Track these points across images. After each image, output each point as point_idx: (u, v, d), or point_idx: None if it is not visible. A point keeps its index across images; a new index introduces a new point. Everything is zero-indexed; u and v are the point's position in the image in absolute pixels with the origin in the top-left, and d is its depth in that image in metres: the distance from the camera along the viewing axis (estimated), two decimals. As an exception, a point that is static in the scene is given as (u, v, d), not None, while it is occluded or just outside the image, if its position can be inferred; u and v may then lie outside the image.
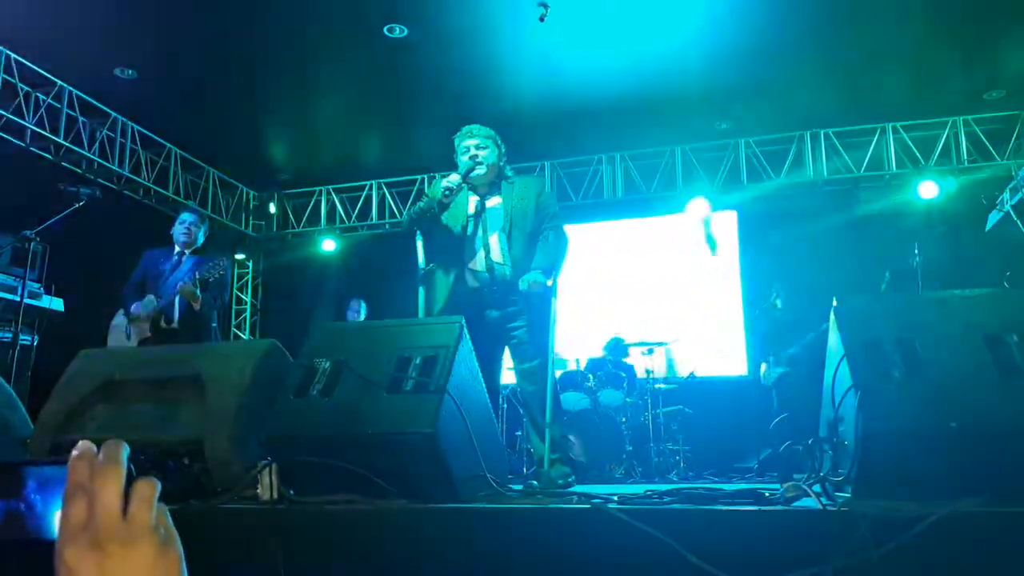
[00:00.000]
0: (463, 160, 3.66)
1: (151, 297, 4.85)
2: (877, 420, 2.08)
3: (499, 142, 3.77)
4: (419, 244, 3.80)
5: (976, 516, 1.81)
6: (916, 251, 5.67)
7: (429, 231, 3.69)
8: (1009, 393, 2.10)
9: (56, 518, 0.68)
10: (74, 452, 0.65)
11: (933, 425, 2.05)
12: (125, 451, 0.65)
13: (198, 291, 4.69)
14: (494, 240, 3.63)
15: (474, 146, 3.69)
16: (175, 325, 4.77)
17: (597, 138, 7.89)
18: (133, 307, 4.83)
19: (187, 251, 5.03)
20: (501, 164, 3.76)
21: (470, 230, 3.65)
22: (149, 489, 0.65)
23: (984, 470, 2.02)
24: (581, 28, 5.96)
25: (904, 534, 1.76)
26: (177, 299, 4.78)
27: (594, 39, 6.13)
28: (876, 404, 2.11)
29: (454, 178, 3.54)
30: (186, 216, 5.14)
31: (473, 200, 3.71)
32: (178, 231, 5.06)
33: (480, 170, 3.65)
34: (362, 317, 7.45)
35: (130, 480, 0.64)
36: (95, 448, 0.66)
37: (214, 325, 5.07)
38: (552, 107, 7.11)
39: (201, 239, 5.09)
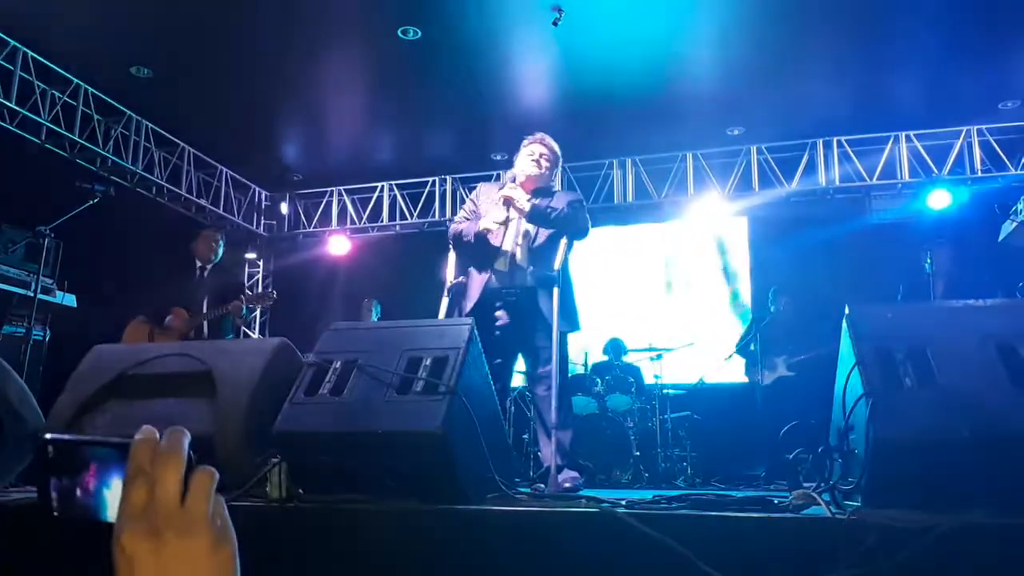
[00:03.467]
0: (526, 161, 3.82)
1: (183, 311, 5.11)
2: (888, 429, 2.07)
3: (559, 162, 3.99)
4: (451, 259, 3.86)
5: (987, 527, 1.80)
6: (928, 260, 5.64)
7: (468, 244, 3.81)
8: (1021, 402, 2.09)
9: (109, 499, 0.68)
10: (137, 436, 0.65)
11: (945, 434, 2.04)
12: (187, 439, 0.65)
13: (246, 311, 5.15)
14: (521, 243, 3.70)
15: (538, 153, 3.85)
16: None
17: (608, 142, 7.88)
18: (169, 319, 5.06)
19: (208, 266, 5.20)
20: (550, 181, 3.92)
21: (504, 233, 3.72)
22: (207, 479, 0.65)
23: (996, 480, 2.00)
24: (594, 32, 5.96)
25: (914, 544, 1.75)
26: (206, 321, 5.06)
27: (606, 43, 6.13)
28: (887, 413, 2.10)
29: (500, 216, 3.66)
30: (211, 233, 5.42)
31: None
32: (204, 248, 5.28)
33: (532, 170, 3.81)
34: (375, 318, 7.47)
35: (189, 469, 0.64)
36: (158, 434, 0.65)
37: (230, 336, 5.32)
38: (564, 111, 7.12)
39: (220, 253, 5.32)
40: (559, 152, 3.95)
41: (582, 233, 3.73)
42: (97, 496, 0.69)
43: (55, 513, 0.69)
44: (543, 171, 3.82)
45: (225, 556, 0.65)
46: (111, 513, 0.67)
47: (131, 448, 0.64)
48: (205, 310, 5.11)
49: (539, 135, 3.92)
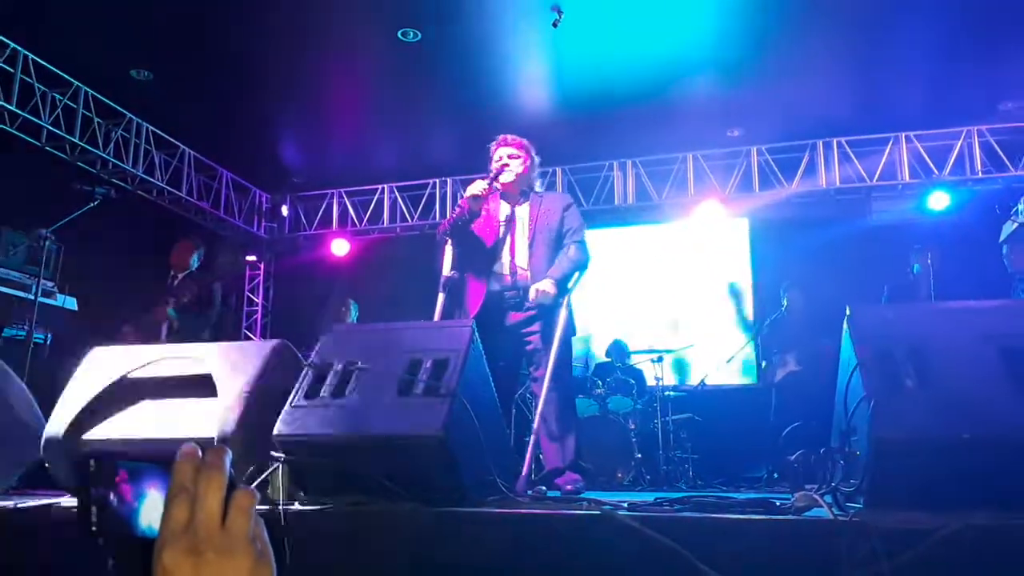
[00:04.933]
0: (494, 168, 3.75)
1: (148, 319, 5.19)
2: (889, 430, 2.07)
3: (533, 153, 3.86)
4: (447, 251, 3.82)
5: (989, 528, 1.79)
6: (929, 260, 5.64)
7: (462, 239, 3.73)
8: (1022, 403, 2.08)
9: (149, 515, 0.68)
10: (179, 453, 0.65)
11: (946, 436, 2.04)
12: (228, 458, 0.65)
13: (172, 312, 5.04)
14: (519, 247, 3.68)
15: (506, 155, 3.77)
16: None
17: (609, 144, 7.88)
18: (125, 326, 5.15)
19: (180, 274, 5.25)
20: (532, 176, 3.84)
21: (499, 236, 3.70)
22: (248, 500, 0.65)
23: (997, 482, 2.00)
24: (594, 34, 5.97)
25: (916, 546, 1.75)
26: (164, 324, 5.10)
27: (607, 45, 6.13)
28: (889, 414, 2.10)
29: (479, 184, 3.60)
30: (185, 243, 5.52)
31: (504, 206, 3.78)
32: (175, 258, 5.43)
33: (507, 177, 3.71)
34: (353, 318, 7.47)
35: (230, 488, 0.64)
36: (200, 451, 0.65)
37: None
38: (564, 113, 7.12)
39: (195, 263, 5.33)
40: (526, 143, 3.86)
41: (585, 264, 3.68)
42: (136, 512, 0.69)
43: (93, 528, 0.69)
44: (519, 172, 3.75)
45: None
46: (150, 529, 0.67)
47: (173, 465, 0.64)
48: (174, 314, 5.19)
49: (499, 138, 3.86)
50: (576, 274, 3.66)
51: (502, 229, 3.72)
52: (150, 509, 0.68)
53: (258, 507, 0.66)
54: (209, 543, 0.62)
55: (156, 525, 0.64)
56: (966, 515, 1.79)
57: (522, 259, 3.66)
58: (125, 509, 0.69)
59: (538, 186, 3.95)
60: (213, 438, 2.58)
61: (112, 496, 0.69)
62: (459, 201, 3.86)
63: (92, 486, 0.69)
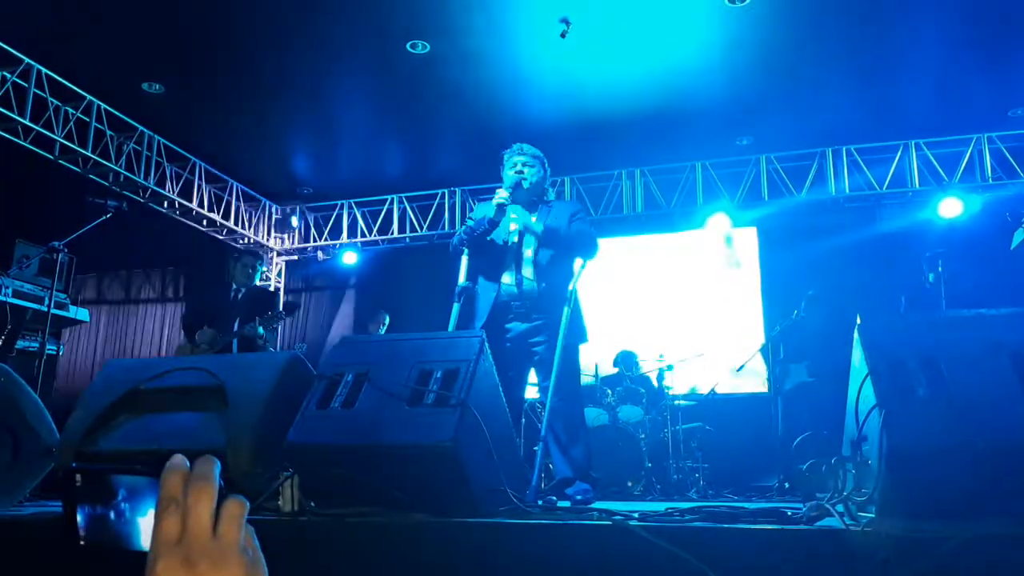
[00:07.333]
0: (510, 175, 3.77)
1: (213, 331, 5.29)
2: (901, 439, 2.06)
3: (545, 164, 3.91)
4: (464, 261, 3.86)
5: (1002, 538, 1.78)
6: (939, 267, 5.61)
7: (478, 249, 3.77)
8: (1036, 413, 2.07)
9: (141, 528, 0.68)
10: (168, 465, 0.65)
11: (958, 445, 2.03)
12: (217, 467, 0.65)
13: (262, 331, 5.25)
14: (527, 255, 3.70)
15: (521, 163, 3.81)
16: None
17: (617, 153, 7.90)
18: (198, 335, 5.25)
19: (243, 288, 5.42)
20: (545, 186, 3.89)
21: (509, 243, 3.73)
22: (239, 508, 0.65)
23: (1010, 491, 1.99)
24: (602, 44, 5.98)
25: (929, 555, 1.74)
26: (235, 340, 5.26)
27: (615, 55, 6.15)
28: (900, 423, 2.09)
29: (504, 194, 3.65)
30: (248, 259, 5.62)
31: (515, 216, 3.79)
32: (241, 273, 5.51)
33: (525, 184, 3.74)
34: (383, 330, 7.49)
35: (220, 497, 0.64)
36: (188, 462, 0.65)
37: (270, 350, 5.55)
38: (573, 122, 7.14)
39: (257, 278, 5.52)
40: (540, 154, 3.91)
41: (593, 251, 3.73)
42: (126, 524, 0.69)
43: (82, 541, 0.69)
44: (532, 180, 3.79)
45: None
46: (142, 541, 0.67)
47: (161, 477, 0.64)
48: (236, 328, 5.27)
49: (515, 146, 3.91)
50: (582, 260, 3.68)
51: (512, 239, 3.74)
52: (143, 522, 0.68)
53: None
54: (202, 555, 0.62)
55: (149, 538, 0.64)
56: (979, 524, 1.78)
57: (528, 269, 3.67)
58: (115, 522, 0.69)
59: (551, 194, 3.99)
60: (224, 449, 2.59)
61: (102, 509, 0.69)
62: (469, 214, 3.91)
63: (78, 500, 0.69)
